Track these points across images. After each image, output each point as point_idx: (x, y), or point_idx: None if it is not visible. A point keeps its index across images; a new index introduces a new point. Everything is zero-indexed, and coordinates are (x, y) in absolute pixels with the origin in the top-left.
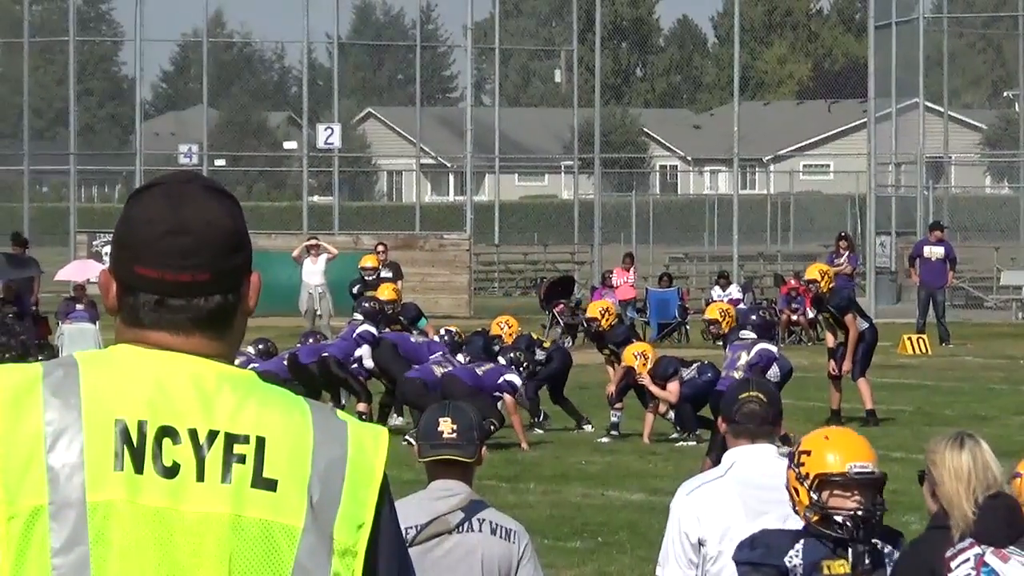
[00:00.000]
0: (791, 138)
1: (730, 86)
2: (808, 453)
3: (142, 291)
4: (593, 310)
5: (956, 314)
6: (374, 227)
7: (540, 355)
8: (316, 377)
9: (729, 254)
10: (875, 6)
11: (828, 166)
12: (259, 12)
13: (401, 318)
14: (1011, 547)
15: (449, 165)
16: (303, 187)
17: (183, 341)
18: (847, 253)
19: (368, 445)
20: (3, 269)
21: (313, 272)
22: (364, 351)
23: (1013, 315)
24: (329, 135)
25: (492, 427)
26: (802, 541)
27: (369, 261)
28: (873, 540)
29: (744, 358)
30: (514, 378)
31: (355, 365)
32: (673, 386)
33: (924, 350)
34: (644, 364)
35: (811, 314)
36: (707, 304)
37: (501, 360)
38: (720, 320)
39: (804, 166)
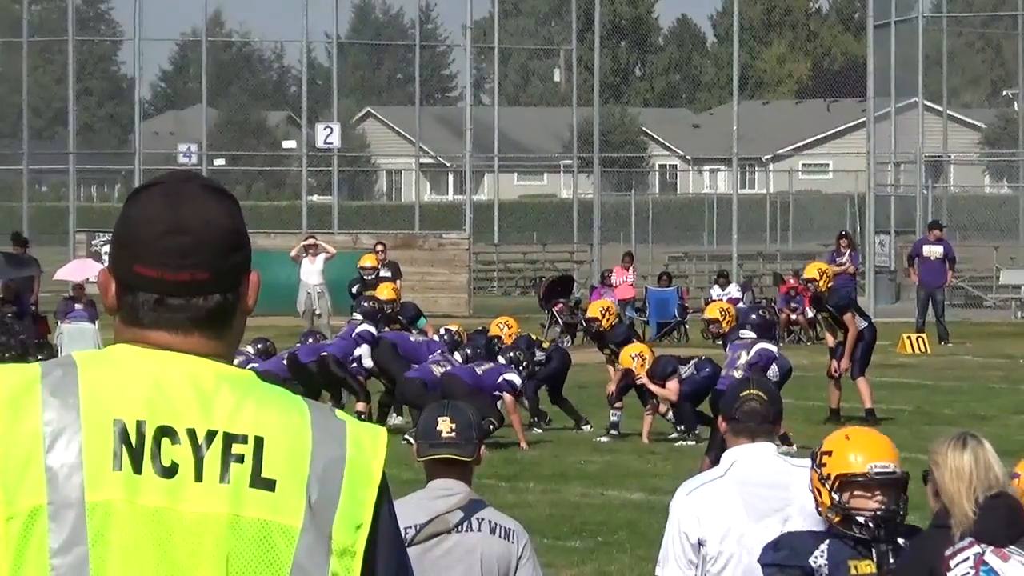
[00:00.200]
0: (790, 137)
1: (729, 85)
2: (829, 454)
3: (141, 290)
4: (594, 310)
5: (955, 313)
6: (373, 226)
7: (539, 355)
8: (315, 376)
9: (728, 253)
10: (874, 5)
11: (827, 165)
12: (258, 11)
13: (400, 317)
14: (1011, 547)
15: (448, 164)
16: (302, 186)
17: (182, 340)
18: (848, 252)
19: (367, 445)
20: (2, 269)
21: (311, 272)
22: (363, 350)
23: (1012, 314)
24: (328, 134)
25: (491, 426)
26: (827, 542)
27: (368, 260)
28: (897, 539)
29: (744, 357)
30: (514, 377)
31: (354, 364)
32: (672, 384)
33: (923, 349)
34: (642, 365)
35: (810, 313)
36: (706, 303)
37: (501, 359)
38: (720, 319)
39: (803, 165)
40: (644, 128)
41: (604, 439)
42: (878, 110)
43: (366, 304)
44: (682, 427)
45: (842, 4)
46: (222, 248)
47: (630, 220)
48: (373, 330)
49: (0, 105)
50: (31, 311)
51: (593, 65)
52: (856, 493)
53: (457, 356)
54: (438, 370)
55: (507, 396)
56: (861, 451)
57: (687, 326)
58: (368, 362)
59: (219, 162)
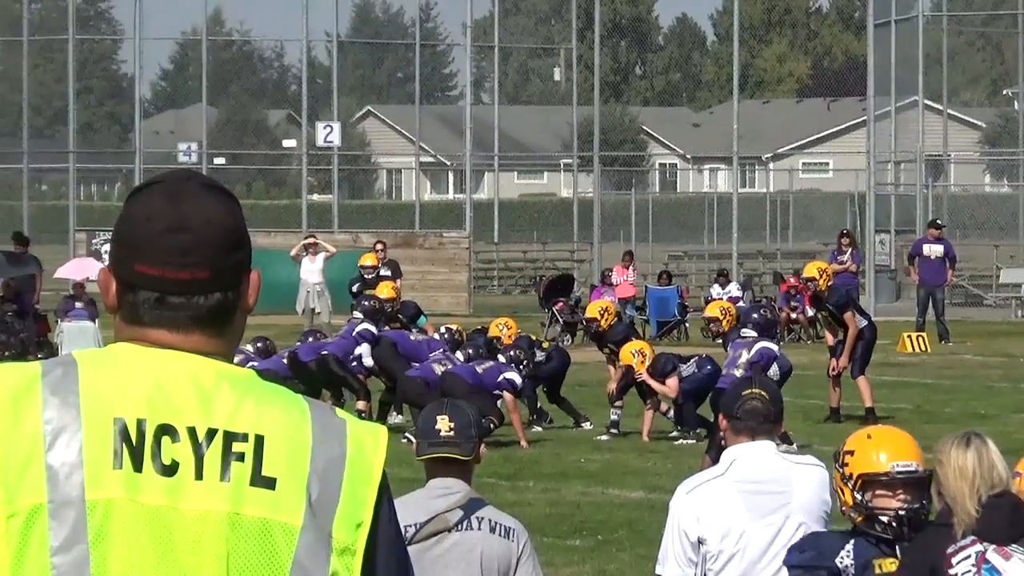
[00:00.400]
0: (790, 136)
1: (729, 84)
2: (852, 453)
3: (142, 289)
4: (592, 310)
5: (955, 312)
6: (373, 225)
7: (539, 356)
8: (316, 375)
9: (728, 252)
10: (874, 4)
11: (827, 164)
12: (258, 10)
13: (400, 316)
14: (1013, 545)
15: (448, 163)
16: (302, 185)
17: (183, 339)
18: (850, 250)
19: (367, 444)
20: (3, 267)
21: (311, 270)
22: (364, 349)
23: (1012, 313)
24: (328, 133)
25: (491, 425)
26: (852, 542)
27: (368, 259)
28: None
29: (745, 356)
30: (514, 376)
31: (354, 363)
32: (672, 382)
33: (923, 348)
34: (642, 362)
35: (810, 312)
36: (706, 302)
37: (501, 358)
38: (721, 318)
39: (803, 164)
40: (644, 127)
41: (604, 438)
42: (878, 109)
43: (366, 303)
44: (682, 426)
45: (842, 3)
46: (223, 247)
47: (630, 219)
48: (373, 329)
49: (0, 104)
50: (33, 310)
51: (593, 64)
52: (878, 492)
53: (459, 355)
54: (439, 369)
55: (507, 395)
56: (883, 450)
57: (687, 325)
58: (368, 361)
59: (219, 161)
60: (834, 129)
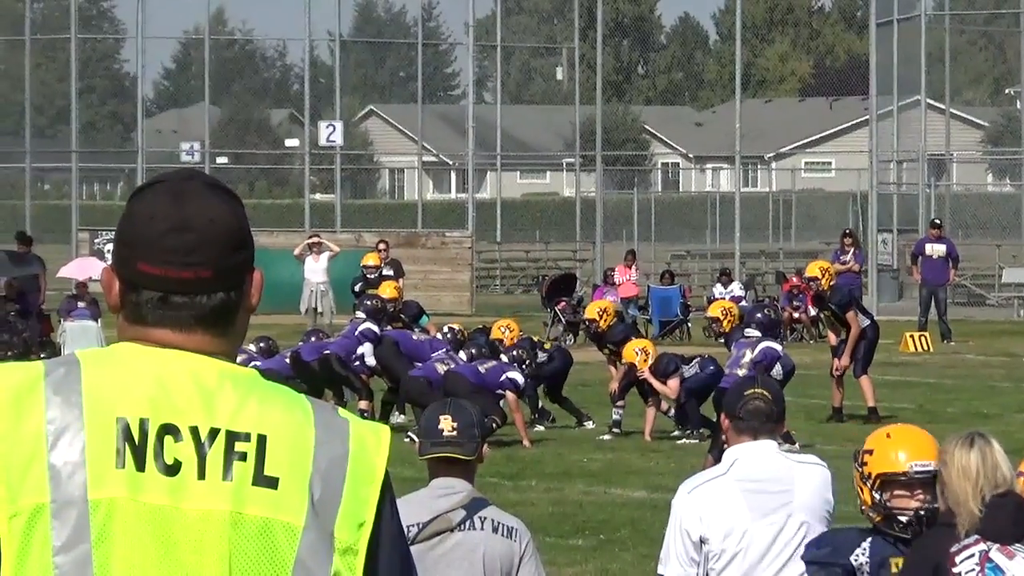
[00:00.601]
0: (793, 135)
1: (732, 83)
2: (871, 452)
3: (145, 288)
4: (591, 311)
5: (958, 312)
6: (376, 225)
7: (542, 357)
8: (318, 375)
9: (731, 251)
10: (877, 3)
11: (830, 163)
12: (261, 10)
13: (403, 316)
14: (1017, 544)
15: (451, 163)
16: (305, 185)
17: (185, 338)
18: (852, 250)
19: (370, 443)
20: (5, 267)
21: (315, 270)
22: (366, 349)
23: (1015, 312)
24: (331, 133)
25: (494, 424)
26: (869, 539)
27: (371, 259)
28: None
29: (748, 356)
30: (517, 376)
31: (357, 363)
32: (673, 383)
33: (926, 348)
34: (645, 360)
35: (813, 312)
36: (709, 302)
37: (504, 358)
38: (721, 318)
39: (806, 163)
40: (647, 126)
41: (606, 437)
42: (881, 108)
43: (369, 302)
44: (684, 426)
45: (845, 2)
46: (226, 246)
47: (633, 218)
48: (376, 328)
49: (3, 103)
50: (38, 310)
51: (596, 63)
52: (897, 492)
53: (462, 354)
54: (441, 368)
55: (510, 395)
56: (902, 449)
57: (689, 324)
58: (371, 360)
59: (222, 160)
60: (836, 128)
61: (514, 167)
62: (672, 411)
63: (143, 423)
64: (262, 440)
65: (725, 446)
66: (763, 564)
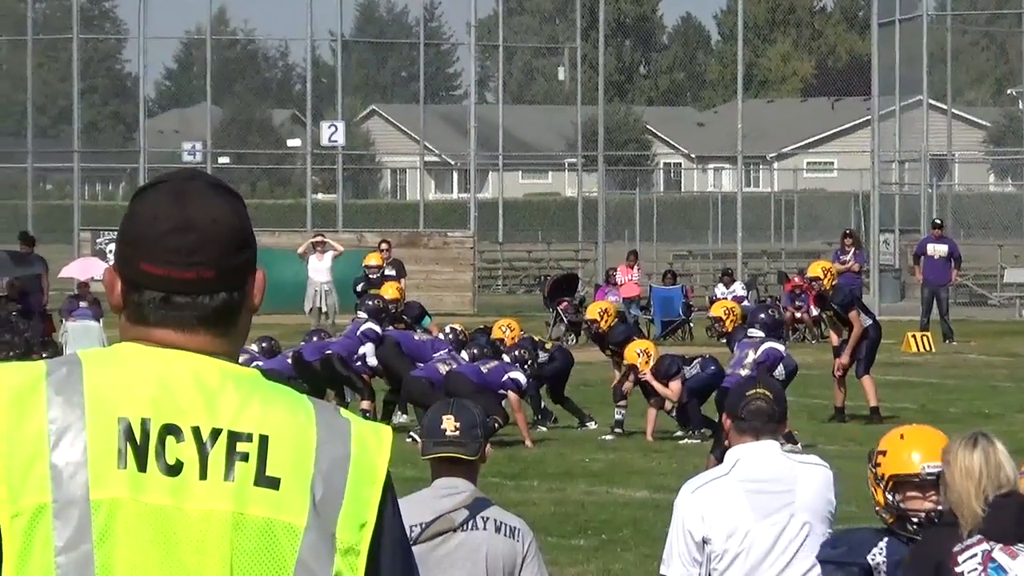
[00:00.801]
0: (795, 136)
1: (734, 83)
2: (884, 453)
3: (147, 288)
4: (592, 312)
5: (960, 312)
6: (378, 225)
7: (543, 357)
8: (320, 375)
9: (733, 252)
10: (879, 3)
11: (832, 164)
12: (262, 10)
13: (405, 317)
14: (1020, 544)
15: (453, 163)
16: (307, 185)
17: (188, 339)
18: (853, 250)
19: (371, 444)
20: (7, 266)
21: (319, 269)
22: (368, 349)
23: (1017, 312)
24: (333, 133)
25: (496, 424)
26: (885, 539)
27: (373, 259)
28: None
29: (752, 356)
30: (519, 376)
31: (359, 363)
32: (675, 385)
33: (928, 348)
34: (646, 362)
35: (815, 312)
36: (711, 302)
37: (506, 358)
38: (724, 318)
39: (808, 164)
40: (649, 126)
41: (609, 437)
42: (883, 108)
43: (370, 302)
44: (686, 426)
45: (846, 2)
46: (228, 246)
47: (635, 218)
48: (378, 328)
49: (5, 103)
50: (40, 310)
51: (597, 63)
52: (910, 494)
53: (463, 355)
54: (443, 368)
55: (512, 395)
56: (915, 451)
57: (692, 325)
58: (373, 360)
59: (224, 160)
60: (838, 128)
61: (516, 167)
62: (674, 410)
63: (145, 423)
64: (264, 440)
65: (727, 445)
66: (765, 564)
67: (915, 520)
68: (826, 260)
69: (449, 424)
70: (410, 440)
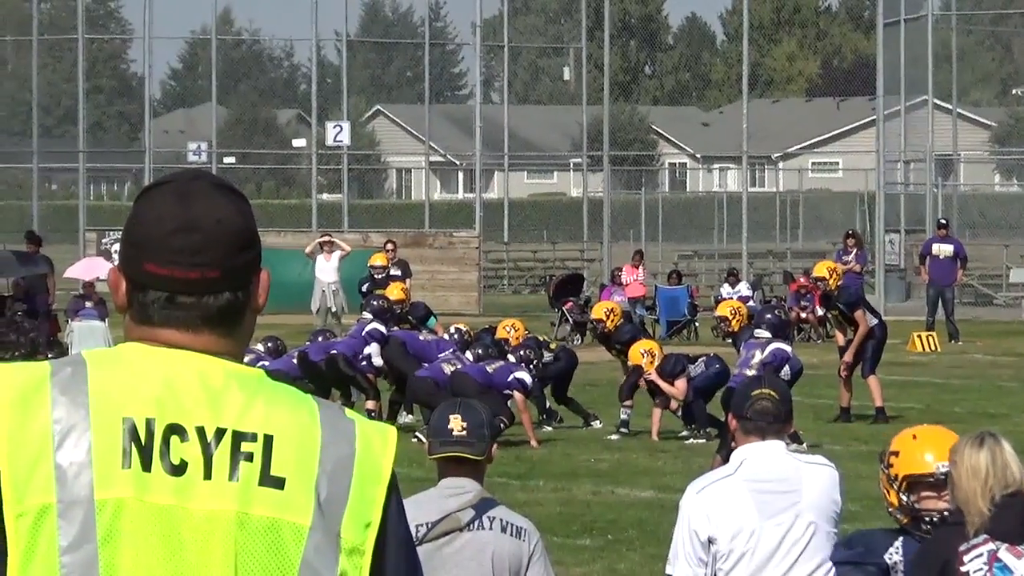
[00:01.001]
0: (800, 135)
1: (739, 83)
2: (896, 454)
3: (152, 288)
4: (598, 311)
5: (965, 312)
6: (383, 225)
7: (547, 356)
8: (325, 375)
9: (738, 251)
10: (884, 3)
11: (837, 163)
12: (267, 10)
13: (410, 318)
14: None
15: (458, 163)
16: (312, 185)
17: (192, 339)
18: (855, 251)
19: (376, 444)
20: (13, 267)
21: (327, 269)
22: (373, 349)
23: (1022, 312)
24: (338, 133)
25: (502, 425)
26: (901, 539)
27: (378, 259)
28: None
29: (758, 356)
30: (524, 376)
31: (364, 363)
32: (681, 383)
33: (933, 348)
34: (651, 362)
35: (820, 312)
36: (716, 302)
37: (511, 358)
38: (730, 318)
39: (813, 163)
40: (654, 126)
41: (614, 437)
42: (888, 108)
43: (376, 302)
44: (692, 425)
45: (852, 2)
46: (233, 246)
47: (640, 218)
48: (383, 328)
49: (10, 103)
50: (46, 310)
51: (603, 63)
52: (924, 494)
53: (469, 355)
54: (448, 368)
55: (517, 395)
56: (929, 451)
57: (697, 324)
58: (378, 360)
59: (229, 160)
60: (843, 128)
61: (521, 167)
62: (680, 410)
63: (149, 423)
64: (268, 440)
65: (733, 446)
66: (771, 564)
67: (930, 520)
68: (831, 260)
69: (456, 424)
70: (416, 440)
